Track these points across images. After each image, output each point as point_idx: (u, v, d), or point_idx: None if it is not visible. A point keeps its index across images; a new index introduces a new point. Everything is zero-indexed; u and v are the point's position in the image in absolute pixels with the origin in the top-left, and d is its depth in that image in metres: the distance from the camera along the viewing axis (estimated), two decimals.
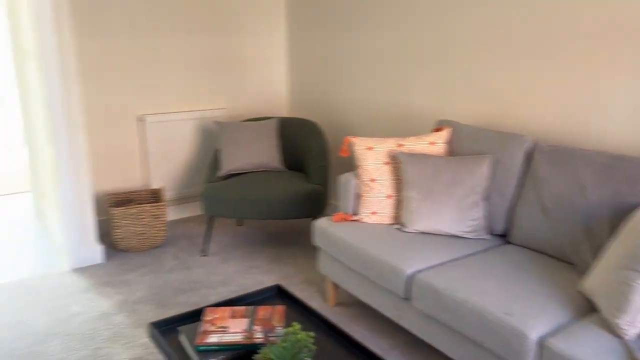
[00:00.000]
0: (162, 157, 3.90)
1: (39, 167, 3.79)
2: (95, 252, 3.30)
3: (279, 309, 1.91)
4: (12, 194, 4.75)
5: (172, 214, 4.05)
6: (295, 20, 4.21)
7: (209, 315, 1.85)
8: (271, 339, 1.71)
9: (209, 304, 2.82)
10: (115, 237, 3.42)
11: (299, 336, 1.54)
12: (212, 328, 1.77)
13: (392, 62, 3.39)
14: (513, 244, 2.43)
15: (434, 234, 2.48)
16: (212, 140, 4.10)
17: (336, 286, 2.77)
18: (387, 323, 2.65)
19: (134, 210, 3.39)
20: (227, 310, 1.89)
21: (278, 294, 2.16)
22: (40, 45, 2.92)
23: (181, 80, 3.92)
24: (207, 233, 3.44)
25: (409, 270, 2.19)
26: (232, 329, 1.77)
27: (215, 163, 3.63)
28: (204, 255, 3.43)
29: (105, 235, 3.73)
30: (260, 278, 3.13)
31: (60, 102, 3.02)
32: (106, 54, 3.58)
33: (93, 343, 2.47)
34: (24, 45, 3.49)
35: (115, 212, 3.36)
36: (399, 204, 2.61)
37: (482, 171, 2.46)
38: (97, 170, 3.70)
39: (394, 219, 2.62)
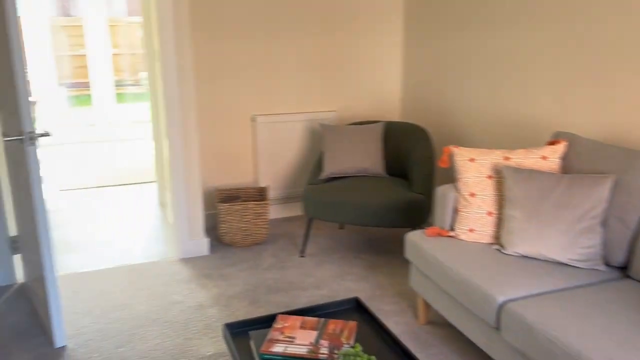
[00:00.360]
0: (271, 157, 4.00)
1: (162, 160, 4.10)
2: (201, 244, 3.48)
3: (351, 324, 1.83)
4: (146, 182, 5.19)
5: (277, 212, 4.14)
6: (412, 20, 4.07)
7: (279, 323, 1.84)
8: (335, 356, 1.65)
9: (298, 306, 2.84)
10: (221, 231, 3.58)
11: (357, 359, 1.46)
12: (280, 337, 1.75)
13: (508, 66, 3.12)
14: (633, 279, 2.10)
15: (537, 259, 2.23)
16: (319, 142, 4.12)
17: (427, 303, 2.62)
18: (479, 349, 2.45)
19: (238, 207, 3.52)
20: (299, 319, 1.87)
21: (356, 308, 2.09)
22: (163, 47, 3.14)
23: (294, 82, 3.98)
24: (306, 234, 3.46)
25: (501, 298, 1.98)
26: (298, 340, 1.73)
27: (319, 165, 3.64)
28: (302, 256, 3.46)
29: (213, 228, 3.93)
30: (352, 285, 3.07)
31: (176, 100, 3.22)
32: (225, 56, 3.75)
33: (185, 333, 2.60)
34: (154, 47, 3.79)
35: (221, 207, 3.52)
36: (500, 223, 2.39)
37: (601, 193, 2.16)
38: (210, 167, 3.90)
39: (493, 239, 2.41)
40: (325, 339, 1.75)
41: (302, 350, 1.68)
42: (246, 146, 3.96)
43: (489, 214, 2.41)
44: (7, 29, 2.12)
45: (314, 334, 1.77)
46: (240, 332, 1.90)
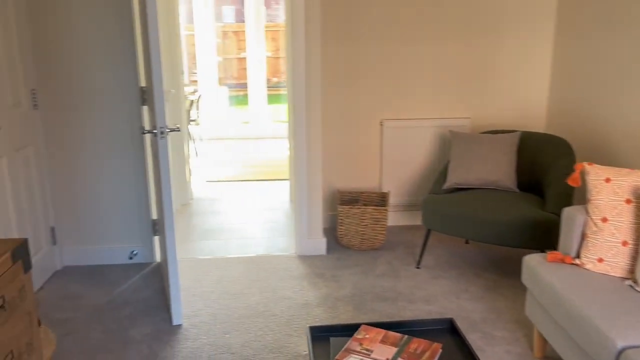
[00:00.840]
0: (396, 163, 3.92)
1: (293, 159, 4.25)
2: (319, 243, 3.54)
3: (435, 346, 1.71)
4: (284, 179, 5.44)
5: (399, 219, 4.05)
6: (565, 22, 3.68)
7: (361, 334, 1.79)
8: None
9: (401, 318, 2.74)
10: (339, 232, 3.60)
11: None
12: (357, 348, 1.70)
13: None
14: None
15: None
16: (449, 150, 3.93)
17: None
18: None
19: (357, 210, 3.51)
20: (382, 333, 1.80)
21: (449, 330, 1.95)
22: (293, 51, 3.25)
23: (427, 86, 3.86)
24: (423, 245, 3.33)
25: (622, 343, 1.70)
26: (375, 354, 1.67)
27: (444, 174, 3.47)
28: (417, 267, 3.34)
29: (333, 229, 3.97)
30: (466, 305, 2.88)
31: (302, 101, 3.32)
32: (357, 59, 3.77)
33: (287, 329, 2.66)
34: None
35: (341, 209, 3.54)
36: (636, 255, 2.05)
37: None
38: (335, 168, 3.95)
39: (626, 272, 2.07)
40: (403, 357, 1.65)
41: None
42: (372, 150, 3.94)
43: (624, 243, 2.08)
44: (148, 36, 2.36)
45: (392, 351, 1.69)
46: (323, 336, 1.89)
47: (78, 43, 3.08)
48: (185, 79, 8.18)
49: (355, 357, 1.66)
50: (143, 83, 3.20)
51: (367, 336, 1.78)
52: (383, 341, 1.75)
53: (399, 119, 3.89)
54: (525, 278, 2.32)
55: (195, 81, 8.01)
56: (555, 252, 2.27)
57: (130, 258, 3.41)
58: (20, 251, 1.83)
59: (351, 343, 1.74)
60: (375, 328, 1.84)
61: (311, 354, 1.75)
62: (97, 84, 3.14)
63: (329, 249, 3.64)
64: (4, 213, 2.72)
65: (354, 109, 3.87)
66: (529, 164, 3.35)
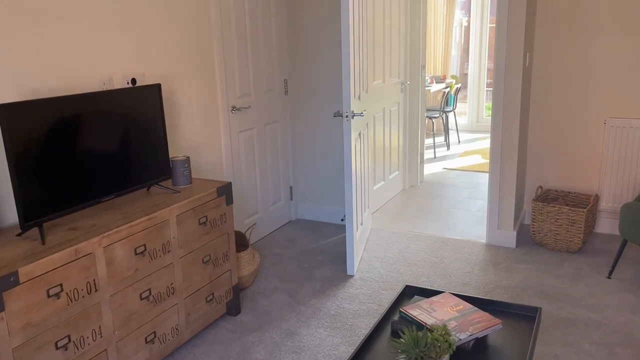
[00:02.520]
0: (619, 165, 3.59)
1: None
2: (508, 235, 3.60)
3: (494, 322, 1.85)
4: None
5: (613, 227, 3.69)
6: None
7: (438, 297, 2.04)
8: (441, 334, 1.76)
9: (553, 319, 2.72)
10: (532, 229, 3.57)
11: (434, 334, 1.61)
12: (425, 306, 1.97)
13: None
14: None
15: None
16: None
17: None
18: None
19: (551, 209, 3.43)
20: (455, 300, 2.00)
21: (533, 318, 1.99)
22: (497, 45, 3.38)
23: None
24: (617, 255, 3.07)
25: None
26: (435, 314, 1.91)
27: None
28: (608, 277, 3.10)
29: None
30: (638, 322, 2.63)
31: (501, 95, 3.42)
32: (580, 55, 3.59)
33: None
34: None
35: (534, 205, 3.51)
36: None
37: None
38: (548, 165, 3.85)
39: None
40: (457, 321, 1.86)
41: (427, 320, 1.87)
42: (592, 150, 3.69)
43: None
44: (342, 32, 2.95)
45: (452, 314, 1.90)
46: (414, 295, 2.19)
47: (316, 49, 3.89)
48: (453, 71, 8.53)
49: (416, 311, 1.93)
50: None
51: (441, 300, 2.02)
52: (451, 307, 1.96)
53: (626, 117, 3.55)
54: None
55: (466, 74, 8.28)
56: None
57: (342, 220, 4.13)
58: (224, 189, 2.68)
59: (424, 301, 2.01)
60: (456, 297, 2.04)
61: (391, 303, 2.09)
62: (322, 77, 3.91)
63: (521, 243, 3.65)
64: (251, 172, 3.74)
65: (575, 106, 3.70)
66: None
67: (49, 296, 1.84)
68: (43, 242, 1.94)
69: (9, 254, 1.86)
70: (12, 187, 1.90)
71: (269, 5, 3.74)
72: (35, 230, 2.07)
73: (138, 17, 2.72)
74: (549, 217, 3.45)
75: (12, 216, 2.21)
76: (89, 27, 2.46)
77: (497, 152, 3.52)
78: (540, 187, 3.72)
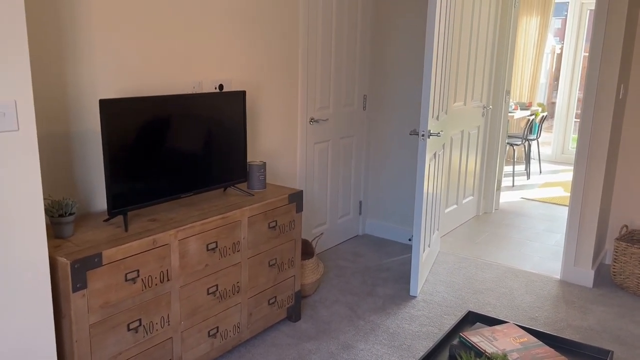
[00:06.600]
0: None
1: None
2: (585, 274, 3.41)
3: (559, 359, 1.77)
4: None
5: None
6: None
7: (503, 326, 1.98)
8: None
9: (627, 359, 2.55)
10: (613, 269, 3.37)
11: None
12: (487, 333, 1.92)
13: None
14: None
15: None
16: None
17: None
18: None
19: (636, 250, 3.22)
20: (520, 332, 1.93)
21: None
22: (589, 74, 3.25)
23: None
24: None
25: None
26: (497, 343, 1.86)
27: None
28: None
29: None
30: None
31: (589, 126, 3.27)
32: None
33: None
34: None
35: (617, 245, 3.31)
36: None
37: None
38: (634, 203, 3.62)
39: None
40: (519, 354, 1.79)
41: (487, 348, 1.82)
42: None
43: None
44: (426, 52, 2.95)
45: (515, 345, 1.84)
46: (476, 322, 2.13)
47: (398, 66, 3.91)
48: (540, 98, 8.24)
49: (477, 338, 1.89)
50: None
51: (504, 330, 1.95)
52: (515, 338, 1.90)
53: None
54: None
55: (553, 102, 7.95)
56: None
57: (409, 240, 4.09)
58: (295, 197, 2.75)
59: (486, 329, 1.96)
60: (520, 328, 1.97)
61: (451, 327, 2.05)
62: (402, 95, 3.91)
63: (599, 283, 3.45)
64: (323, 183, 3.80)
65: None
66: None
67: (126, 280, 1.97)
68: (126, 230, 2.09)
69: (95, 237, 2.01)
70: (105, 176, 2.06)
71: (355, 22, 3.81)
72: (120, 218, 2.23)
73: (229, 26, 2.87)
74: (633, 259, 3.24)
75: (100, 203, 2.40)
76: (185, 27, 2.64)
77: (579, 185, 3.36)
78: (626, 226, 3.50)
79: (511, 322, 2.05)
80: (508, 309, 3.09)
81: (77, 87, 2.22)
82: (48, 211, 1.97)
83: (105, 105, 2.01)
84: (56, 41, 2.12)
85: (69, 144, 2.24)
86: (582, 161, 3.33)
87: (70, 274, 1.79)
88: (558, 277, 3.55)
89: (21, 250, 1.66)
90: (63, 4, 2.12)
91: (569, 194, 5.60)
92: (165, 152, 2.28)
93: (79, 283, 1.82)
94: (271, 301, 2.70)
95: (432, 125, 3.11)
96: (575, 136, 7.38)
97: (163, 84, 2.57)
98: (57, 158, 2.20)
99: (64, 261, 1.80)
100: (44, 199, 2.13)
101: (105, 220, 2.18)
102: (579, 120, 3.35)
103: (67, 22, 2.14)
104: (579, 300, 3.22)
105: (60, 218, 1.96)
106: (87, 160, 2.31)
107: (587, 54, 3.27)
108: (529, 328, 2.04)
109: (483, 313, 3.01)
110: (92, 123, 2.30)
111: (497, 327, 1.98)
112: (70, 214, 1.99)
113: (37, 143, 1.66)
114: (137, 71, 2.44)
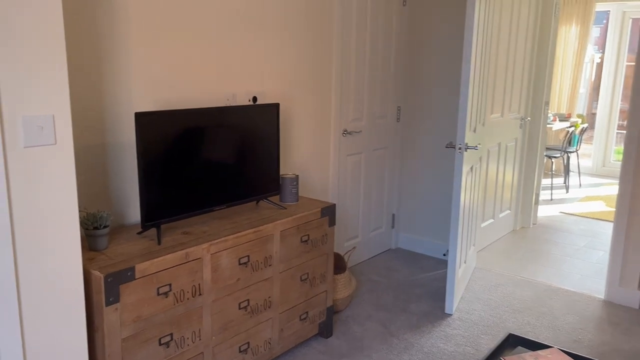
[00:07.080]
0: None
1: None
2: (631, 294, 3.25)
3: None
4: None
5: None
6: None
7: (546, 352, 1.88)
8: None
9: None
10: None
11: None
12: (529, 359, 1.83)
13: None
14: None
15: None
16: None
17: None
18: None
19: None
20: (565, 358, 1.83)
21: None
22: (636, 85, 3.11)
23: None
24: None
25: None
26: None
27: None
28: None
29: None
30: None
31: (635, 139, 3.13)
32: None
33: None
34: None
35: None
36: None
37: None
38: None
39: None
40: None
41: None
42: None
43: None
44: (463, 64, 2.88)
45: None
46: (517, 345, 2.04)
47: (433, 78, 3.84)
48: (580, 109, 8.02)
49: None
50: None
51: (548, 356, 1.85)
52: None
53: None
54: None
55: (594, 113, 7.72)
56: None
57: (444, 255, 3.98)
58: (328, 210, 2.71)
59: (528, 354, 1.86)
60: (566, 355, 1.87)
61: (491, 350, 1.96)
62: (437, 107, 3.83)
63: None
64: (356, 196, 3.74)
65: None
66: None
67: (158, 294, 1.96)
68: (159, 243, 2.08)
69: (128, 250, 2.01)
70: (139, 188, 2.06)
71: (390, 33, 3.76)
72: (153, 231, 2.23)
73: (262, 38, 2.87)
74: None
75: (134, 215, 2.40)
76: (219, 40, 2.64)
77: (625, 201, 3.21)
78: None
79: (555, 346, 1.95)
80: (549, 330, 2.96)
81: (113, 98, 2.24)
82: (83, 224, 1.97)
83: (141, 118, 2.01)
84: (94, 54, 2.14)
85: (104, 155, 2.25)
86: (629, 174, 3.18)
87: (103, 288, 1.78)
88: (601, 297, 3.40)
89: (56, 262, 1.66)
90: (102, 18, 2.14)
91: (611, 209, 5.41)
92: (199, 165, 2.27)
93: (112, 297, 1.81)
94: (303, 317, 2.65)
95: (469, 138, 3.02)
96: (618, 148, 7.13)
97: (197, 96, 2.57)
98: (93, 170, 2.22)
99: (97, 275, 1.79)
100: (79, 211, 2.14)
101: (139, 233, 2.18)
102: (621, 131, 3.21)
103: (105, 35, 2.16)
104: (624, 322, 3.06)
105: (94, 231, 1.97)
106: (122, 172, 2.32)
107: (631, 63, 3.13)
108: (575, 354, 1.93)
109: (522, 334, 2.89)
110: (127, 135, 2.32)
111: (541, 352, 1.89)
112: (105, 227, 1.99)
113: (73, 156, 1.66)
114: (172, 83, 2.44)
